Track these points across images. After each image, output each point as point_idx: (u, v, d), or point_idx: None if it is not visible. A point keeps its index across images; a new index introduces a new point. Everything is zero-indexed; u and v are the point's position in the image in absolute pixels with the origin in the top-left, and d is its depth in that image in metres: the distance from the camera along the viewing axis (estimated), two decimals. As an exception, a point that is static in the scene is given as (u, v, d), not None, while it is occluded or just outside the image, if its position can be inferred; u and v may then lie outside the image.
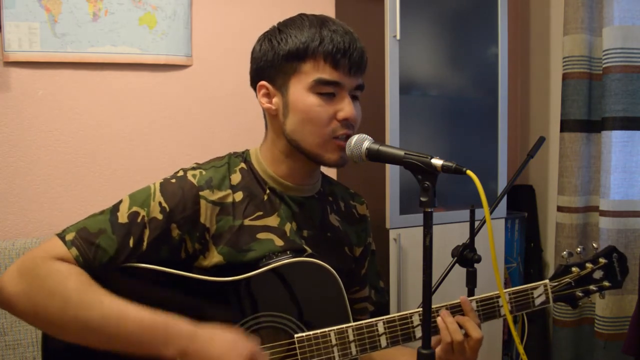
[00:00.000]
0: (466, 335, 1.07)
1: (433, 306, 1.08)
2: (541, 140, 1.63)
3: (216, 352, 0.94)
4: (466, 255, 1.33)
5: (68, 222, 1.04)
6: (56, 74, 1.94)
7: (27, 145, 1.91)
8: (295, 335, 1.05)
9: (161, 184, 1.06)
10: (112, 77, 2.02)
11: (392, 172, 2.03)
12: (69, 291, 0.93)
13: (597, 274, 1.19)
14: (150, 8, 2.02)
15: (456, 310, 1.11)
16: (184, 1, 2.08)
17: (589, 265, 1.18)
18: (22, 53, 1.87)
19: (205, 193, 1.06)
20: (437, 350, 1.07)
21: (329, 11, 2.33)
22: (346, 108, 1.07)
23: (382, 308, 1.33)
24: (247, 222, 1.09)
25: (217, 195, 1.07)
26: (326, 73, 1.05)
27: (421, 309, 1.07)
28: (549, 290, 1.17)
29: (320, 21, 1.08)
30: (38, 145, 1.92)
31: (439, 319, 1.08)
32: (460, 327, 1.07)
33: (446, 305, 1.10)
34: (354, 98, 1.10)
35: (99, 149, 2.01)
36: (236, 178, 1.11)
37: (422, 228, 0.88)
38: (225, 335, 0.97)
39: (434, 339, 1.09)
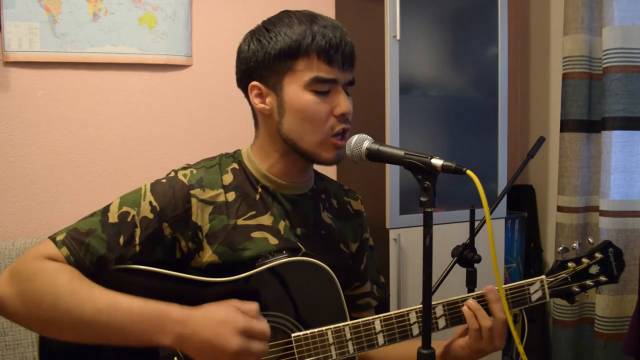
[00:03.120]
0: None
1: (457, 297, 1.10)
2: (541, 140, 1.62)
3: (211, 332, 0.93)
4: (466, 255, 1.33)
5: (68, 222, 1.04)
6: (56, 74, 1.94)
7: (27, 146, 1.91)
8: (293, 335, 1.05)
9: (152, 185, 1.06)
10: (112, 77, 2.02)
11: (392, 172, 2.03)
12: (60, 286, 0.93)
13: (594, 269, 1.19)
14: (150, 8, 2.02)
15: (481, 300, 1.11)
16: (184, 1, 2.08)
17: (585, 260, 1.19)
18: (22, 53, 1.87)
19: (196, 192, 1.06)
20: (466, 339, 1.09)
21: (329, 11, 2.33)
22: (342, 103, 1.07)
23: (384, 303, 1.33)
24: (240, 221, 1.09)
25: (209, 194, 1.07)
26: (321, 71, 1.05)
27: (417, 306, 1.07)
28: (546, 286, 1.17)
29: (308, 17, 1.07)
30: (38, 146, 1.92)
31: (464, 308, 1.09)
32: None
33: (472, 296, 1.11)
34: (346, 93, 1.10)
35: (99, 149, 2.01)
36: (228, 178, 1.11)
37: (422, 228, 0.88)
38: (217, 313, 0.95)
39: (459, 329, 1.12)
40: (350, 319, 1.08)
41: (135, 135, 2.06)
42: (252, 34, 1.11)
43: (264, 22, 1.11)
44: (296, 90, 1.06)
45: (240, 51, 1.12)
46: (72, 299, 0.93)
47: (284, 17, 1.08)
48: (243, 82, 1.13)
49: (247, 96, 1.14)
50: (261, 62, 1.07)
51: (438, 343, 1.15)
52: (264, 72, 1.08)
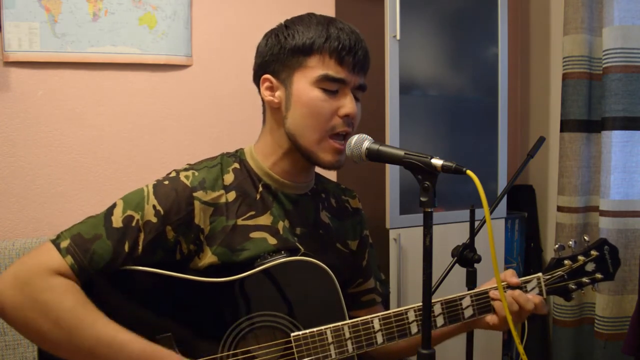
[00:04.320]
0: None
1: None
2: (541, 140, 1.63)
3: None
4: (466, 255, 1.33)
5: (68, 222, 1.04)
6: (56, 74, 1.94)
7: (27, 145, 1.91)
8: (292, 334, 1.05)
9: (154, 186, 1.06)
10: (112, 77, 2.02)
11: (392, 172, 2.03)
12: (63, 311, 0.93)
13: (590, 267, 1.19)
14: (150, 8, 2.02)
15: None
16: (184, 1, 2.08)
17: (581, 258, 1.19)
18: (22, 53, 1.87)
19: (198, 194, 1.06)
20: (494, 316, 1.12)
21: (329, 11, 2.33)
22: (348, 104, 1.08)
23: (387, 300, 1.33)
24: (240, 221, 1.09)
25: (211, 195, 1.07)
26: (331, 69, 1.07)
27: (416, 304, 1.07)
28: (542, 284, 1.17)
29: (327, 20, 1.11)
30: (38, 145, 1.92)
31: (492, 293, 1.12)
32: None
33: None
34: (355, 98, 1.11)
35: (99, 149, 2.01)
36: (229, 178, 1.11)
37: (422, 228, 0.88)
38: None
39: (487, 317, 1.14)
40: (356, 317, 1.08)
41: (135, 135, 2.06)
42: (272, 30, 1.14)
43: (286, 21, 1.14)
44: (305, 85, 1.07)
45: (258, 47, 1.15)
46: (74, 327, 0.93)
47: (304, 17, 1.12)
48: (257, 75, 1.16)
49: (258, 90, 1.16)
50: (276, 55, 1.10)
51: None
52: (277, 65, 1.10)
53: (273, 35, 1.12)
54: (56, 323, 0.93)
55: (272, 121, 1.14)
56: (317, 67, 1.07)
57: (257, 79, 1.16)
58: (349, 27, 1.10)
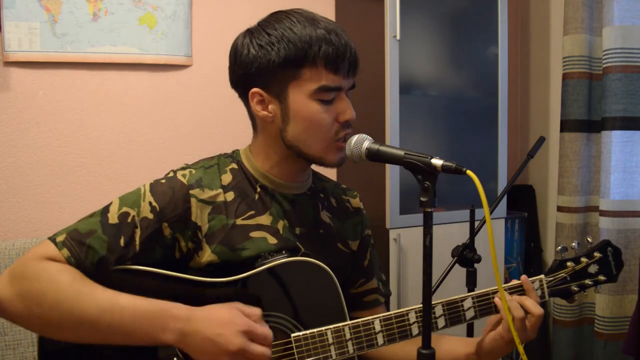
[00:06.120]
0: (526, 312, 1.09)
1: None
2: (541, 140, 1.63)
3: (213, 331, 0.93)
4: (466, 255, 1.33)
5: (68, 222, 1.04)
6: (56, 74, 1.94)
7: (27, 145, 1.91)
8: (292, 335, 1.05)
9: (151, 185, 1.06)
10: (112, 77, 2.02)
11: (392, 172, 2.03)
12: (62, 286, 0.93)
13: (592, 268, 1.19)
14: (150, 8, 2.02)
15: (515, 290, 1.13)
16: (184, 1, 2.08)
17: (583, 259, 1.19)
18: (22, 53, 1.87)
19: (195, 192, 1.06)
20: (498, 329, 1.10)
21: (329, 11, 2.33)
22: (347, 110, 1.07)
23: (389, 301, 1.33)
24: (239, 221, 1.09)
25: (208, 194, 1.07)
26: (328, 80, 1.04)
27: (416, 306, 1.07)
28: (545, 285, 1.17)
29: (310, 21, 1.05)
30: (38, 145, 1.92)
31: (496, 299, 1.11)
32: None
33: (504, 287, 1.11)
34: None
35: (99, 149, 2.01)
36: (227, 178, 1.11)
37: (422, 228, 0.88)
38: (221, 312, 0.96)
39: (493, 318, 1.13)
40: (359, 318, 1.08)
41: (135, 135, 2.06)
42: (250, 36, 1.07)
43: (261, 24, 1.08)
44: (302, 99, 1.05)
45: (237, 53, 1.09)
46: (74, 299, 0.92)
47: (283, 20, 1.06)
48: (241, 85, 1.11)
49: (242, 98, 1.14)
50: (264, 69, 1.05)
51: (467, 341, 1.18)
52: (267, 79, 1.06)
53: (254, 43, 1.05)
54: (56, 300, 0.92)
55: (265, 132, 1.12)
56: (312, 79, 1.04)
57: (240, 88, 1.12)
58: (333, 26, 1.05)
